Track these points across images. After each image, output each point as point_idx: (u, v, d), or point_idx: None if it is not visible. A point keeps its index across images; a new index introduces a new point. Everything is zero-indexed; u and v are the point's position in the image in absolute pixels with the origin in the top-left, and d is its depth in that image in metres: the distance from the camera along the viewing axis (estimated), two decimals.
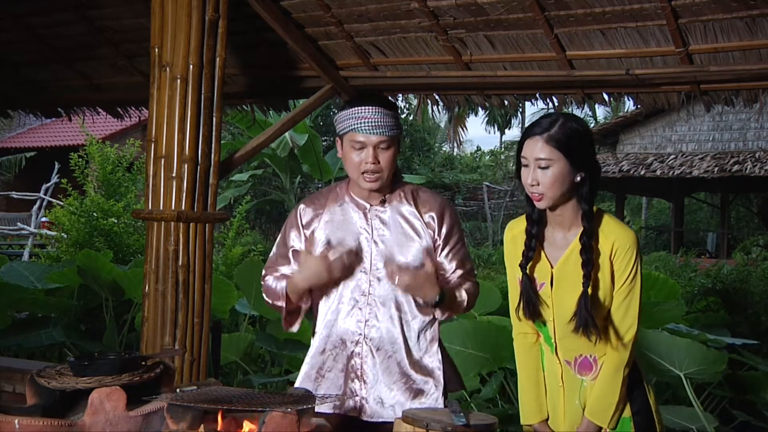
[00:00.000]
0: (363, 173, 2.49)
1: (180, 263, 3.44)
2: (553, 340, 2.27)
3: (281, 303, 2.56)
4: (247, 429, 2.07)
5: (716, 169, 15.62)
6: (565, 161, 2.14)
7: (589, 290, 2.16)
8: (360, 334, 2.52)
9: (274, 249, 2.71)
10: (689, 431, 4.28)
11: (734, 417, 4.94)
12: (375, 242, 2.54)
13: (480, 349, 4.92)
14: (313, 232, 2.59)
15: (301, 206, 2.67)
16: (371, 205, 2.59)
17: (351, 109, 2.50)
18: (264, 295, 2.65)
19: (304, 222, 2.62)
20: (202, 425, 2.04)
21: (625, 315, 2.19)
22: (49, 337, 5.76)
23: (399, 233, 2.55)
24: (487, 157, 30.92)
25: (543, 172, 2.15)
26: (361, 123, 2.47)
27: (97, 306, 6.64)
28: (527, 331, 2.37)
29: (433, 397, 2.51)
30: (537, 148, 2.15)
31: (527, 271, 2.26)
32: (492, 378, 5.22)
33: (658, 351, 4.36)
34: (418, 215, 2.57)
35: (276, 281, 2.60)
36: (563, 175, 2.14)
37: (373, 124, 2.47)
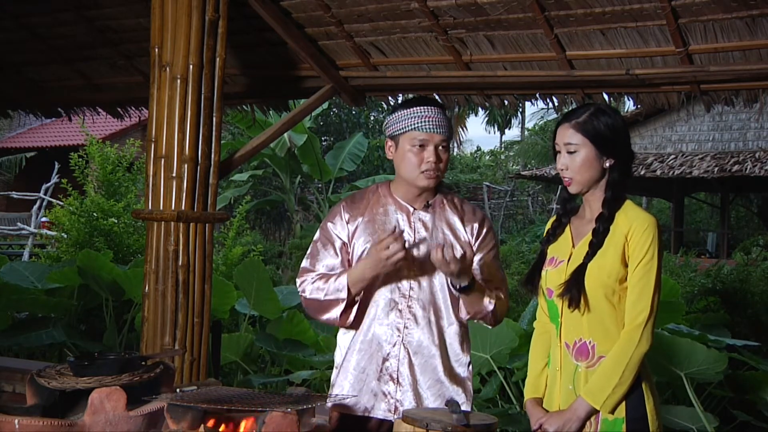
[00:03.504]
0: (423, 171, 2.50)
1: (180, 263, 3.44)
2: (559, 319, 2.29)
3: (344, 295, 2.48)
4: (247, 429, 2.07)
5: (716, 169, 15.60)
6: (591, 147, 2.25)
7: (596, 270, 2.20)
8: (398, 336, 2.52)
9: (310, 251, 2.64)
10: (689, 431, 4.28)
11: (734, 417, 4.94)
12: (416, 245, 2.55)
13: (480, 349, 4.93)
14: (355, 231, 2.58)
15: (343, 204, 2.66)
16: (415, 209, 2.59)
17: (411, 109, 2.52)
18: (310, 296, 2.55)
19: (346, 218, 2.61)
20: (202, 425, 2.04)
21: (639, 297, 2.18)
22: (49, 337, 5.77)
23: (441, 239, 2.55)
24: (487, 157, 30.93)
25: (571, 157, 2.27)
26: (424, 122, 2.50)
27: (97, 306, 6.64)
28: (544, 320, 2.44)
29: (463, 407, 2.49)
30: (567, 135, 2.28)
31: (548, 250, 2.39)
32: (492, 378, 5.22)
33: (658, 351, 4.36)
34: (463, 226, 2.60)
35: (326, 282, 2.53)
36: (590, 160, 2.26)
37: (436, 123, 2.50)
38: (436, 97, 4.52)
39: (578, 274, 2.22)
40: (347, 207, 2.63)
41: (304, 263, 2.65)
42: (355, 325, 2.57)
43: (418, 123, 2.50)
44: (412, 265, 2.53)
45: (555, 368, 2.32)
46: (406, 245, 2.40)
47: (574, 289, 2.21)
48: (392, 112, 2.61)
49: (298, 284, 2.63)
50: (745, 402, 5.06)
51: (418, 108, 2.52)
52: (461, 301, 2.51)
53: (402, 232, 2.42)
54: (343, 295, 2.49)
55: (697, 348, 4.40)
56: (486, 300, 2.51)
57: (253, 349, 6.22)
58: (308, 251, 2.66)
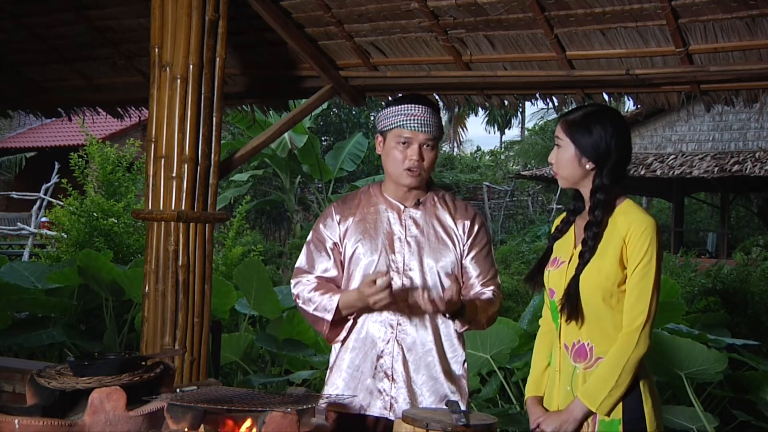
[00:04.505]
0: (406, 169, 2.52)
1: (180, 263, 3.44)
2: (559, 320, 2.29)
3: (329, 317, 2.52)
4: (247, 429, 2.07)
5: (716, 169, 15.59)
6: (571, 146, 2.26)
7: (593, 273, 2.19)
8: (392, 333, 2.53)
9: (304, 252, 2.67)
10: (689, 431, 4.28)
11: (734, 417, 4.94)
12: (408, 242, 2.56)
13: (480, 349, 4.93)
14: (346, 231, 2.60)
15: (334, 205, 2.68)
16: (405, 207, 2.60)
17: (399, 107, 2.53)
18: (302, 305, 2.60)
19: (338, 219, 2.63)
20: (202, 425, 2.04)
21: (637, 300, 2.17)
22: (49, 337, 5.77)
23: (432, 236, 2.58)
24: (487, 157, 30.92)
25: (558, 151, 2.31)
26: (409, 120, 2.51)
27: (97, 306, 6.64)
28: (549, 319, 2.43)
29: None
30: (557, 129, 2.33)
31: (554, 247, 2.39)
32: (492, 378, 5.22)
33: (658, 351, 4.36)
34: (454, 222, 2.60)
35: (321, 294, 2.55)
36: (568, 159, 2.27)
37: (422, 121, 2.51)
38: (435, 97, 4.52)
39: (572, 289, 2.21)
40: (338, 208, 2.66)
41: (299, 263, 2.67)
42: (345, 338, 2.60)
43: (403, 120, 2.51)
44: (403, 263, 2.54)
45: (554, 368, 2.32)
46: (393, 285, 2.41)
47: (568, 306, 2.21)
48: (385, 106, 2.62)
49: (292, 285, 2.66)
50: (745, 402, 5.06)
51: (405, 106, 2.53)
52: (455, 322, 2.52)
53: (391, 279, 2.41)
54: (329, 316, 2.52)
55: (697, 348, 4.40)
56: (478, 318, 2.52)
57: (253, 349, 6.22)
58: (302, 252, 2.69)
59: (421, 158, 2.52)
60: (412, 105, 2.53)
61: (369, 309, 2.50)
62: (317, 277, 2.62)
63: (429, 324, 2.54)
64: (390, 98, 4.60)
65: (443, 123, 2.76)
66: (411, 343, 2.53)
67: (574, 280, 2.22)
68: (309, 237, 2.69)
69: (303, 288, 2.61)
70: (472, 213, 2.67)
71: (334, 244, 2.61)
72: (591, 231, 2.22)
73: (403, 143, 2.52)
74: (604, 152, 2.23)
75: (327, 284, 2.60)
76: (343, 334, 2.59)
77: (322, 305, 2.54)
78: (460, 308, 2.41)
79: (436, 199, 2.64)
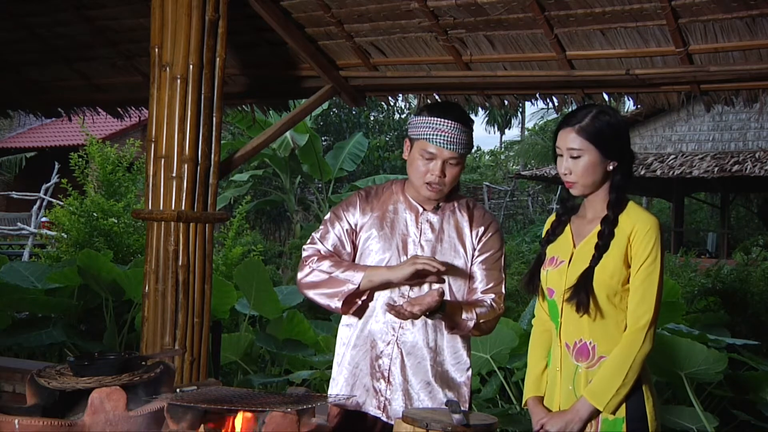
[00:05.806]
0: (426, 183, 2.50)
1: (180, 263, 3.44)
2: (559, 319, 2.29)
3: (357, 279, 2.47)
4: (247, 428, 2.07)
5: (716, 169, 15.60)
6: (595, 151, 2.23)
7: (598, 271, 2.19)
8: (393, 336, 2.53)
9: (320, 228, 2.64)
10: (689, 431, 4.28)
11: (734, 417, 4.94)
12: (421, 245, 2.55)
13: (480, 349, 4.93)
14: (365, 223, 2.60)
15: (361, 194, 2.66)
16: (424, 210, 2.59)
17: (430, 118, 2.48)
18: (328, 269, 2.53)
19: (360, 208, 2.61)
20: (202, 425, 2.04)
21: (642, 300, 2.18)
22: (49, 337, 5.77)
23: (446, 242, 2.57)
24: (487, 157, 30.95)
25: (575, 161, 2.24)
26: (436, 135, 2.46)
27: (97, 306, 6.64)
28: (544, 318, 2.42)
29: None
30: (569, 139, 2.25)
31: (548, 249, 2.37)
32: (492, 378, 5.22)
33: (658, 351, 4.35)
34: (470, 230, 2.59)
35: (344, 268, 2.52)
36: (594, 165, 2.24)
37: (448, 139, 2.46)
38: (436, 98, 4.52)
39: (586, 279, 2.21)
40: (363, 199, 2.64)
41: (315, 233, 2.64)
42: (357, 314, 2.58)
43: (430, 134, 2.46)
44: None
45: (555, 368, 2.32)
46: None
47: (583, 294, 2.19)
48: (419, 112, 2.59)
49: (306, 251, 2.61)
50: (745, 402, 5.06)
51: (435, 119, 2.47)
52: (438, 321, 2.52)
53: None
54: (357, 279, 2.48)
55: (697, 348, 4.40)
56: (464, 318, 2.49)
57: (253, 349, 6.22)
58: (320, 226, 2.66)
59: (443, 174, 2.49)
60: (442, 120, 2.46)
61: (386, 286, 2.50)
62: (333, 255, 2.59)
63: (431, 330, 2.53)
64: (392, 101, 4.59)
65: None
66: (411, 347, 2.52)
67: (587, 273, 2.21)
68: (327, 216, 2.66)
69: (318, 253, 2.58)
70: (489, 220, 2.64)
71: (351, 228, 2.60)
72: (608, 227, 2.23)
73: (427, 157, 2.48)
74: (623, 148, 2.26)
75: (345, 261, 2.58)
76: (355, 307, 2.55)
77: (350, 273, 2.49)
78: (440, 306, 2.38)
79: (456, 204, 2.62)
